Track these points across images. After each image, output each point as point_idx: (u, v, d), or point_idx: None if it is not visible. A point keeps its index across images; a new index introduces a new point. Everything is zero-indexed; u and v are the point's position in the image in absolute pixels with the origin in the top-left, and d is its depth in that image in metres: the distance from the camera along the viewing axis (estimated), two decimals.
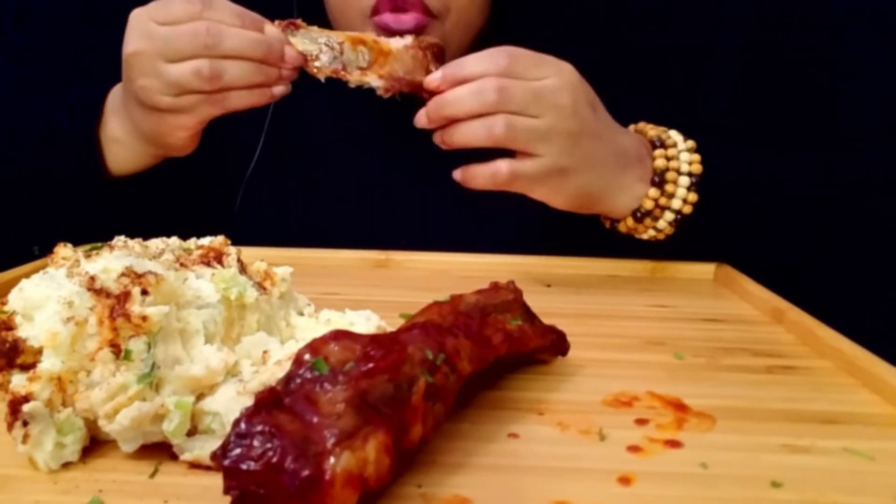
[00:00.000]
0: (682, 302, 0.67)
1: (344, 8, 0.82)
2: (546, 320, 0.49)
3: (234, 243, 0.49)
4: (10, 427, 0.35)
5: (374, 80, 0.68)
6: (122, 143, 0.74)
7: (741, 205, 0.79)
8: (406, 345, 0.35)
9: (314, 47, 0.67)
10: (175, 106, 0.64)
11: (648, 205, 0.69)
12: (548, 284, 0.71)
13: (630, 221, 0.71)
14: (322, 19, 0.82)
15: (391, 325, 0.46)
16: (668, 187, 0.69)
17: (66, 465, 0.35)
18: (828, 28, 1.08)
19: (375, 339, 0.35)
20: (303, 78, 0.89)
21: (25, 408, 0.35)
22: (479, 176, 0.66)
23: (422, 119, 0.66)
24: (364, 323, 0.46)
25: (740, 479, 0.35)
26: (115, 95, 0.75)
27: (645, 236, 0.73)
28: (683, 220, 0.70)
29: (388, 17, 0.76)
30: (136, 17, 0.64)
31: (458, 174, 0.67)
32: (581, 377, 0.48)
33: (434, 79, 0.65)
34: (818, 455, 0.38)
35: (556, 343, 0.48)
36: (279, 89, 0.66)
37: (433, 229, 0.85)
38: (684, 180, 0.69)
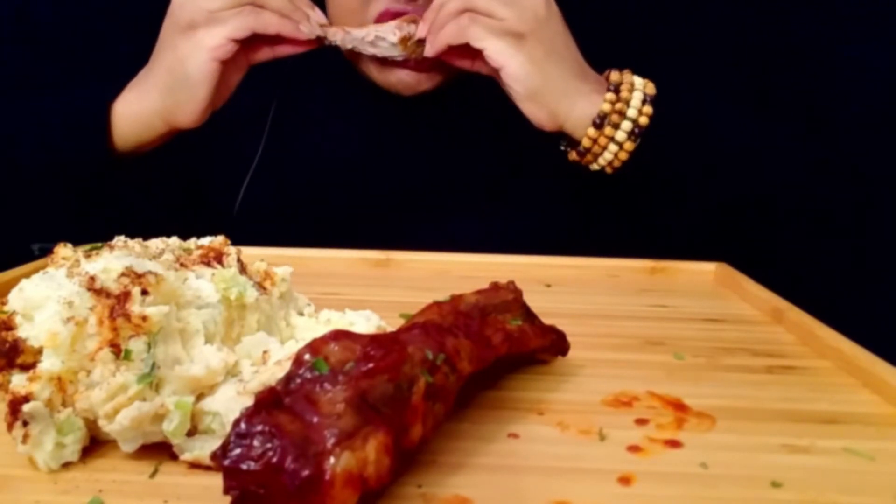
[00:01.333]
0: (682, 302, 0.67)
1: (343, 20, 0.82)
2: (546, 320, 0.49)
3: (234, 243, 0.49)
4: (10, 427, 0.35)
5: (392, 22, 0.76)
6: (135, 113, 0.75)
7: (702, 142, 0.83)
8: (406, 345, 0.35)
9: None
10: (213, 17, 0.70)
11: (606, 107, 0.73)
12: (548, 284, 0.71)
13: (591, 131, 0.74)
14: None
15: (391, 325, 0.46)
16: (624, 94, 0.73)
17: (66, 465, 0.35)
18: (827, 15, 1.08)
19: (375, 339, 0.35)
20: (305, 79, 0.89)
21: (25, 408, 0.35)
22: (445, 27, 0.73)
23: (422, 29, 0.75)
24: (364, 323, 0.46)
25: (740, 479, 0.35)
26: (135, 79, 0.76)
27: (607, 155, 0.75)
28: (641, 137, 0.73)
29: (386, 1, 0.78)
30: None
31: (429, 47, 0.75)
32: (581, 377, 0.48)
33: None
34: (818, 455, 0.38)
35: (556, 343, 0.48)
36: (305, 26, 0.74)
37: (433, 229, 0.85)
38: (638, 94, 0.73)
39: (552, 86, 0.73)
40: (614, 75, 0.75)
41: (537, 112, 0.74)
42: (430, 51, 0.75)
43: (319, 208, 0.90)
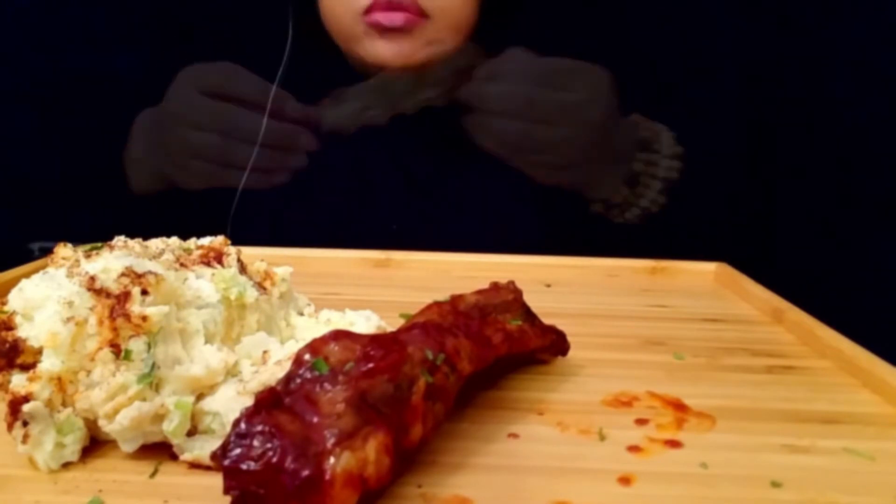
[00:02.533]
0: (682, 302, 0.67)
1: (336, 7, 0.82)
2: (546, 320, 0.49)
3: (234, 243, 0.49)
4: (10, 427, 0.35)
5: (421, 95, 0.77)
6: (142, 164, 0.79)
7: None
8: (406, 345, 0.35)
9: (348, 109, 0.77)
10: (187, 166, 0.72)
11: (618, 199, 0.78)
12: (548, 284, 0.71)
13: (599, 207, 0.80)
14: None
15: (391, 325, 0.46)
16: (639, 189, 0.78)
17: (66, 465, 0.35)
18: (830, 32, 1.08)
19: (375, 339, 0.35)
20: (303, 76, 0.88)
21: (25, 408, 0.35)
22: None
23: None
24: (364, 323, 0.46)
25: (740, 479, 0.35)
26: (142, 118, 0.78)
27: (617, 219, 0.82)
28: (652, 216, 0.79)
29: (379, 16, 0.77)
30: (183, 76, 0.73)
31: None
32: (581, 377, 0.48)
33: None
34: (818, 455, 0.38)
35: (556, 343, 0.48)
36: (279, 179, 0.78)
37: (433, 229, 0.85)
38: (657, 184, 0.78)
39: (576, 180, 0.79)
40: (637, 166, 0.78)
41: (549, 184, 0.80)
42: None
43: (319, 207, 0.90)
